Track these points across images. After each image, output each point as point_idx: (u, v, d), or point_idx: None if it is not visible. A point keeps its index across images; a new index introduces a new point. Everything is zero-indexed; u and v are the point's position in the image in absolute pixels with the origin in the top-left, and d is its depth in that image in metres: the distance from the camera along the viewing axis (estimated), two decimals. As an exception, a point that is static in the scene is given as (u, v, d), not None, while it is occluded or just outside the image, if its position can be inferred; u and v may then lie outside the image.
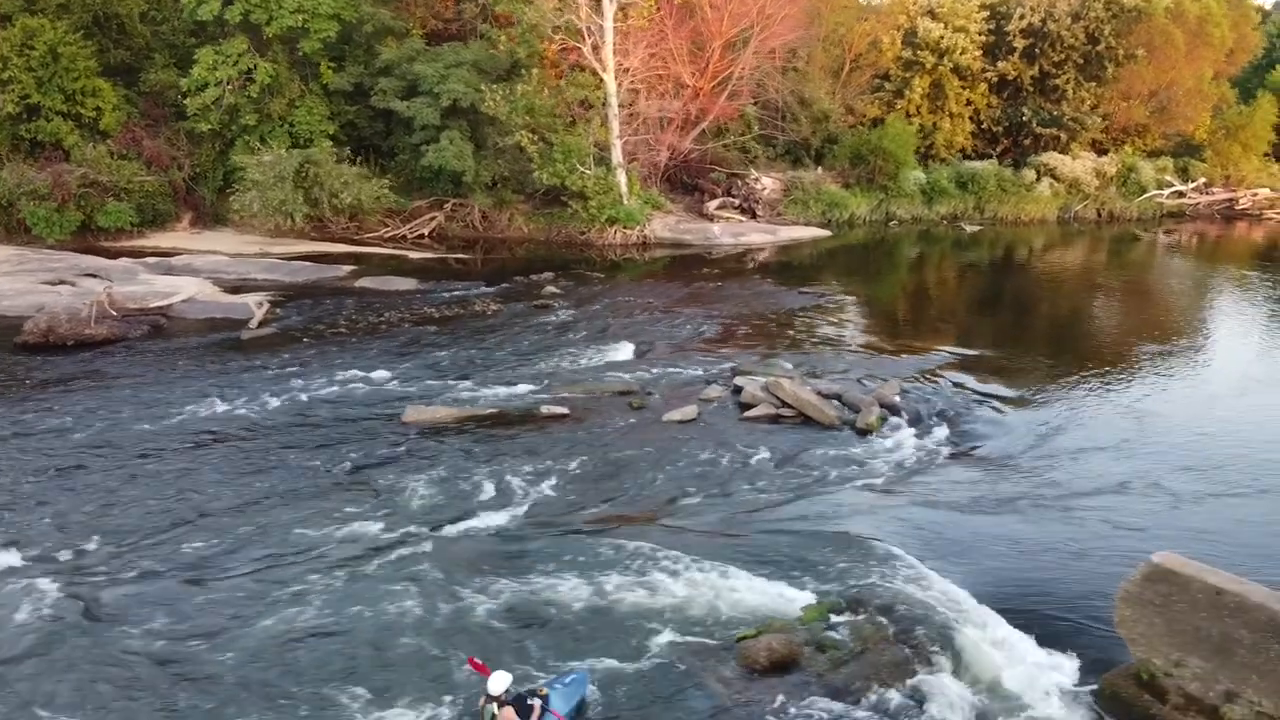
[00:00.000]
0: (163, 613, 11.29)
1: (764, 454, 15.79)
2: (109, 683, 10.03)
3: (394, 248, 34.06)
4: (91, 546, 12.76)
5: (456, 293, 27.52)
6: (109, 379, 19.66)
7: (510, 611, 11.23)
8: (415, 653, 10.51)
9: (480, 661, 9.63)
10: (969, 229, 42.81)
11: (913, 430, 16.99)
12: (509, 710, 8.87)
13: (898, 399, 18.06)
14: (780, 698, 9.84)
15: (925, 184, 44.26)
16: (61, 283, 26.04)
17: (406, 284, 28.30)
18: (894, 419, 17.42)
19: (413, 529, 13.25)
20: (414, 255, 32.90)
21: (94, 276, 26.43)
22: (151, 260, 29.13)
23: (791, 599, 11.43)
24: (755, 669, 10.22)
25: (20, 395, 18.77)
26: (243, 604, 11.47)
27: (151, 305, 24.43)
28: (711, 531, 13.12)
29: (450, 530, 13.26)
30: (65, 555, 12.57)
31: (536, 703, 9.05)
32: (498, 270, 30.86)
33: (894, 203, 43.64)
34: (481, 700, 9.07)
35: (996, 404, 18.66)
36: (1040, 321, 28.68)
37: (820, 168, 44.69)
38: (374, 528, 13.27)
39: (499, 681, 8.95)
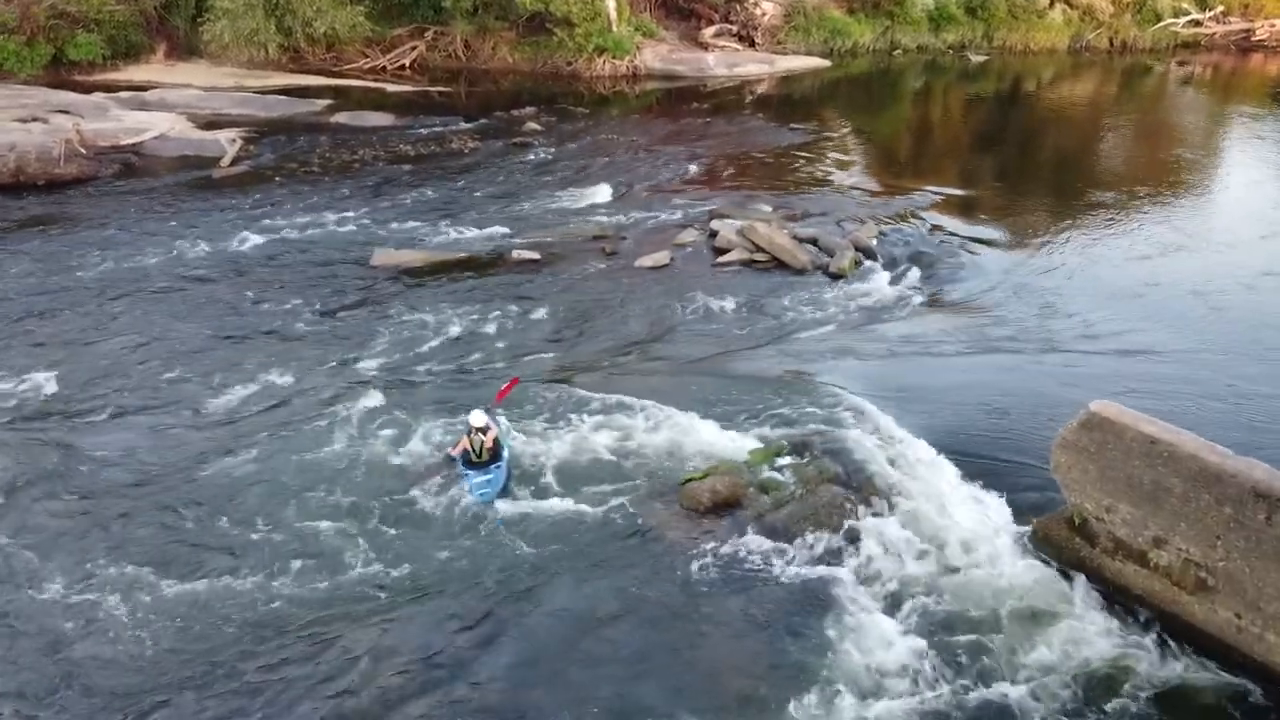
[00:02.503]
0: (133, 449, 11.57)
1: (731, 300, 15.70)
2: (83, 515, 10.34)
3: (373, 80, 32.91)
4: (59, 388, 12.91)
5: (434, 129, 26.78)
6: (79, 220, 19.44)
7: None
8: (374, 488, 10.76)
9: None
10: (975, 59, 41.08)
11: (887, 275, 16.82)
12: (493, 433, 10.90)
13: (874, 242, 17.80)
14: (718, 536, 10.12)
15: (933, 9, 42.13)
16: (34, 120, 25.29)
17: (383, 120, 27.51)
18: (869, 263, 17.22)
19: (376, 372, 13.37)
20: (393, 88, 31.84)
21: (66, 113, 25.69)
22: (124, 95, 28.23)
23: (743, 444, 11.58)
24: (698, 510, 10.47)
25: (-11, 237, 18.66)
26: (211, 442, 11.70)
27: (123, 143, 23.88)
28: (669, 376, 13.19)
29: (412, 373, 13.36)
30: (36, 394, 12.76)
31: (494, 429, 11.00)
32: (480, 105, 29.91)
33: (899, 30, 41.69)
34: (467, 437, 10.86)
35: (978, 248, 18.39)
36: (1041, 160, 27.89)
37: (824, -9, 42.44)
38: (339, 369, 13.40)
39: (479, 417, 10.91)
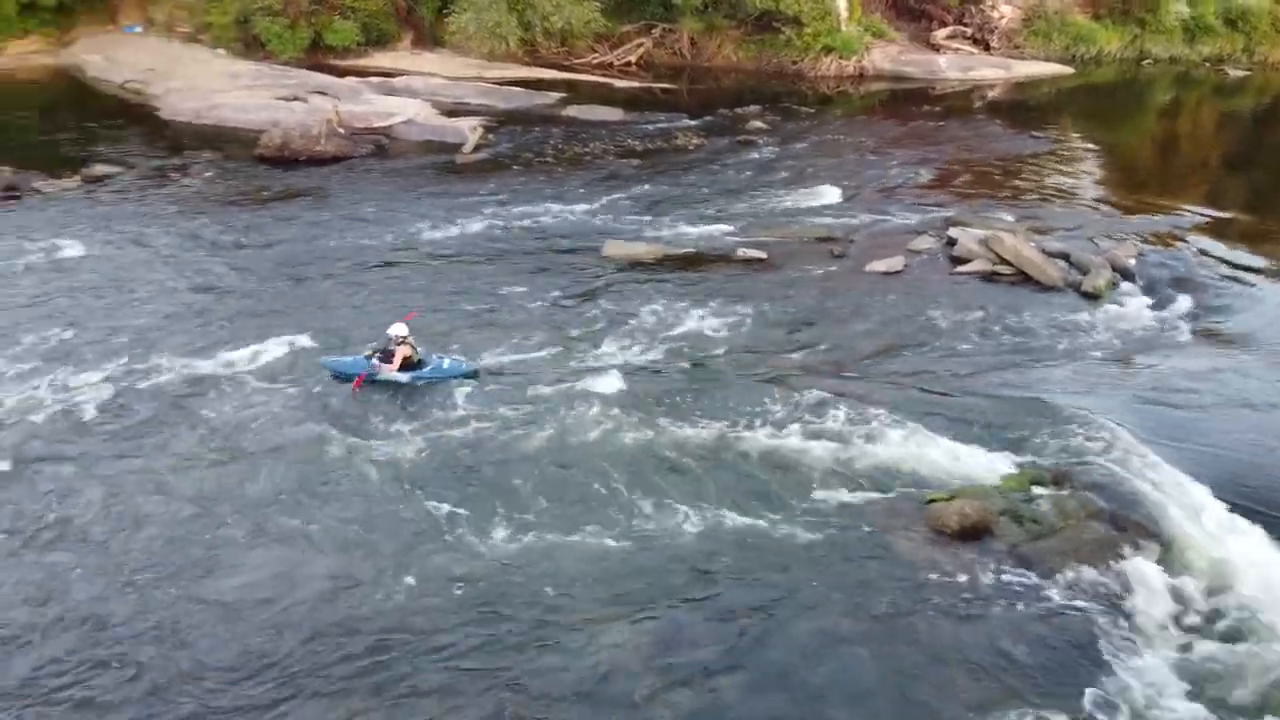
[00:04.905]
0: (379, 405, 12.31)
1: (975, 312, 14.92)
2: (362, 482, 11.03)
3: (601, 75, 33.58)
4: (318, 344, 13.86)
5: (660, 125, 26.98)
6: (335, 195, 20.82)
7: (692, 450, 11.36)
8: (593, 476, 10.90)
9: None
10: (1234, 74, 37.58)
11: (1147, 299, 15.53)
12: (406, 347, 12.64)
13: (1132, 262, 16.48)
14: (967, 564, 9.63)
15: (1188, 19, 38.84)
16: (294, 99, 27.36)
17: (612, 114, 27.99)
18: (1126, 284, 15.97)
19: (605, 359, 13.54)
20: (620, 84, 32.36)
21: (323, 94, 27.63)
22: (375, 80, 30.04)
23: (990, 466, 10.98)
24: (945, 532, 9.99)
25: (256, 205, 20.28)
26: (441, 411, 12.24)
27: (375, 125, 25.40)
28: (909, 389, 12.65)
29: (642, 364, 13.44)
30: (293, 352, 13.72)
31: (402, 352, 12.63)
32: (703, 102, 29.91)
33: (1150, 39, 38.66)
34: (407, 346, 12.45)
35: (1250, 276, 16.67)
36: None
37: (1068, -6, 39.97)
38: (569, 355, 13.64)
39: (400, 328, 12.63)
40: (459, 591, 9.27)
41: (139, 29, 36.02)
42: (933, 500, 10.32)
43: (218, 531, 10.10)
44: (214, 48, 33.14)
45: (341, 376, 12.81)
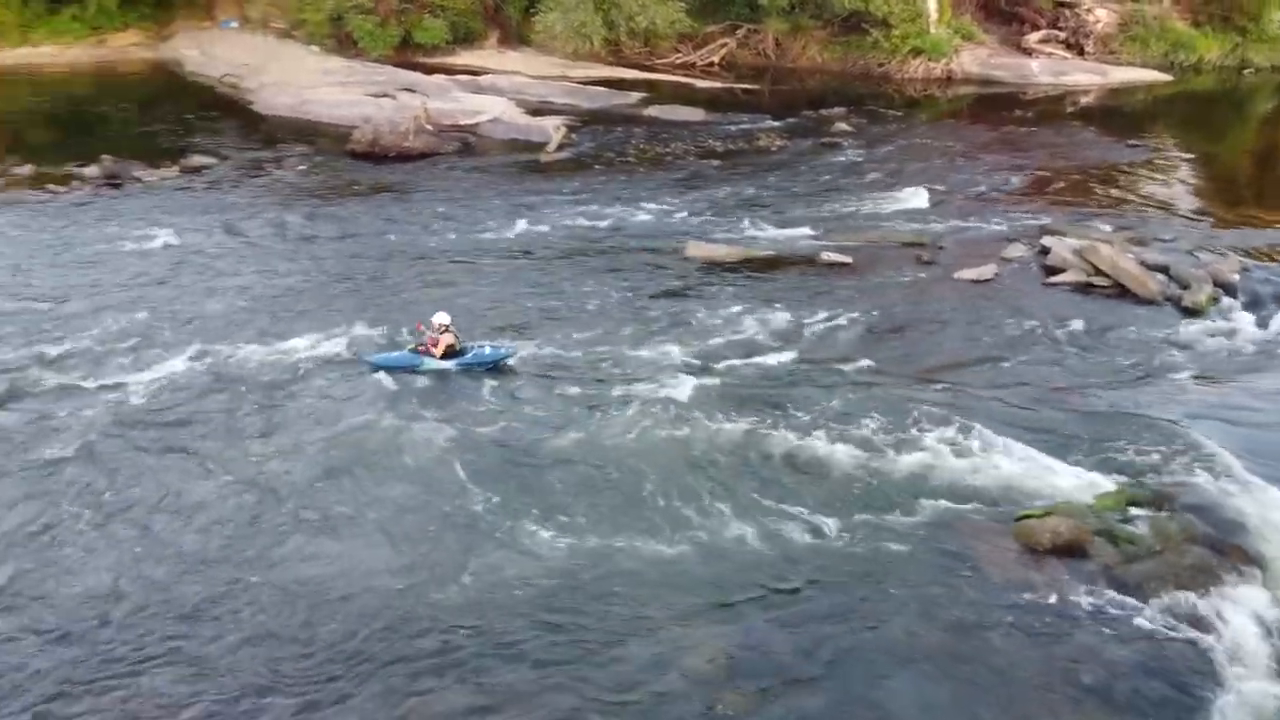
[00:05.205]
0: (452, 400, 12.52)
1: (1070, 325, 14.51)
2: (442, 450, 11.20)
3: (683, 75, 33.52)
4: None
5: (742, 126, 26.82)
6: (421, 191, 21.18)
7: (775, 454, 11.28)
8: (665, 477, 10.85)
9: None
10: (1341, 84, 35.90)
11: (1251, 315, 14.92)
12: (449, 335, 12.94)
13: (1235, 278, 15.84)
14: (1059, 583, 9.36)
15: (1293, 28, 37.15)
16: (384, 95, 27.92)
17: (694, 114, 27.91)
18: (1228, 300, 15.37)
19: (687, 360, 13.50)
20: (702, 84, 32.25)
21: (411, 91, 28.12)
22: (462, 78, 30.49)
23: (1085, 484, 10.66)
24: (1036, 550, 9.73)
25: (345, 199, 20.76)
26: (510, 407, 12.40)
27: (461, 123, 25.78)
28: (1000, 401, 12.36)
29: (723, 366, 13.36)
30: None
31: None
32: (786, 103, 29.64)
33: (1252, 48, 37.03)
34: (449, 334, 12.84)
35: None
36: None
37: (1166, 0, 38.60)
38: (650, 355, 13.62)
39: (443, 317, 12.99)
40: (520, 591, 9.26)
41: (235, 24, 37.14)
42: (1024, 516, 10.05)
43: (284, 515, 10.33)
44: (307, 44, 33.98)
45: (386, 371, 12.96)
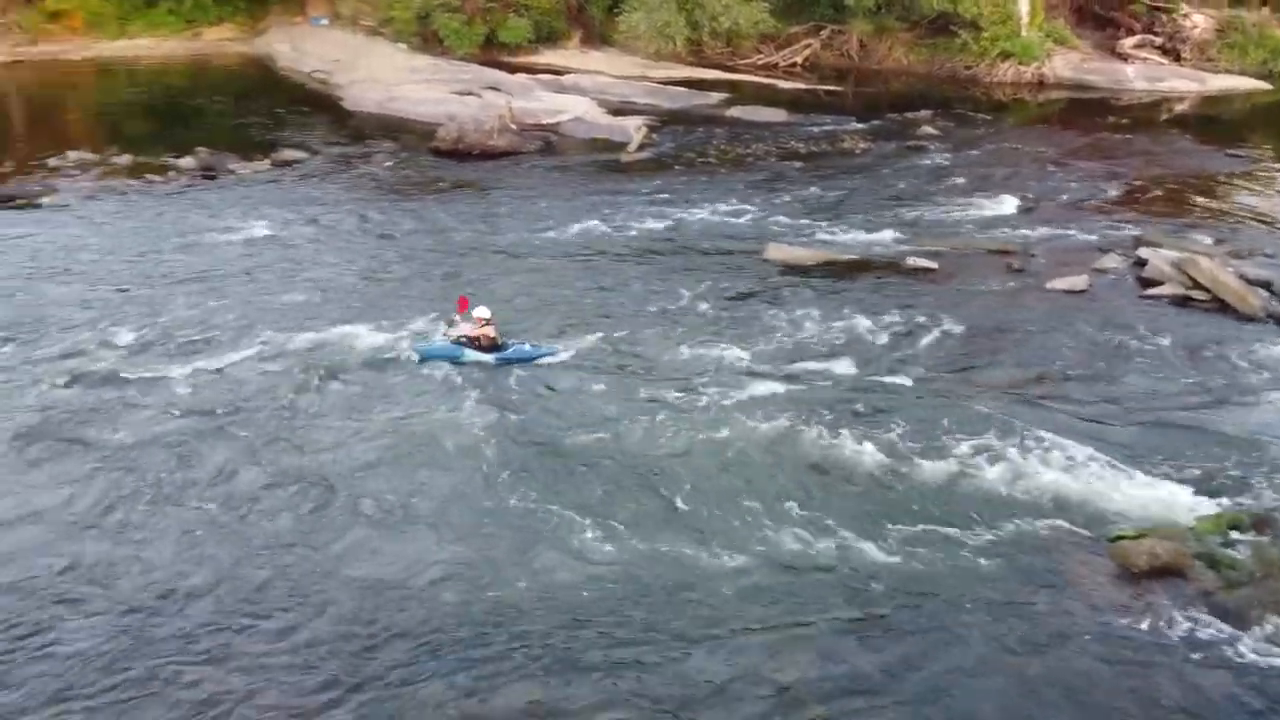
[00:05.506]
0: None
1: (1167, 339, 13.98)
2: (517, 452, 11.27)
3: (765, 76, 33.28)
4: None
5: (825, 127, 26.50)
6: (504, 189, 21.37)
7: (852, 465, 11.05)
8: (740, 483, 10.72)
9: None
10: None
11: (1363, 334, 14.24)
12: (490, 328, 13.22)
13: (1346, 294, 15.14)
14: (1155, 607, 9.02)
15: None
16: (468, 94, 28.27)
17: (775, 115, 27.67)
18: (1337, 317, 14.68)
19: (760, 364, 13.34)
20: (784, 85, 31.97)
21: (495, 90, 28.43)
22: (544, 77, 30.72)
23: (1183, 506, 10.27)
24: (1130, 572, 9.40)
25: (429, 195, 21.05)
26: (582, 405, 12.39)
27: (544, 122, 25.97)
28: (1094, 417, 11.97)
29: (799, 371, 13.18)
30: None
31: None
32: (869, 105, 29.24)
33: (1359, 57, 35.42)
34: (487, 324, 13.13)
35: None
36: None
37: (1267, 6, 37.04)
38: (728, 357, 13.48)
39: (484, 311, 13.24)
40: (584, 594, 9.17)
41: (325, 21, 38.04)
42: (1120, 537, 9.72)
43: (344, 504, 10.44)
44: (395, 41, 34.62)
45: (433, 360, 13.26)
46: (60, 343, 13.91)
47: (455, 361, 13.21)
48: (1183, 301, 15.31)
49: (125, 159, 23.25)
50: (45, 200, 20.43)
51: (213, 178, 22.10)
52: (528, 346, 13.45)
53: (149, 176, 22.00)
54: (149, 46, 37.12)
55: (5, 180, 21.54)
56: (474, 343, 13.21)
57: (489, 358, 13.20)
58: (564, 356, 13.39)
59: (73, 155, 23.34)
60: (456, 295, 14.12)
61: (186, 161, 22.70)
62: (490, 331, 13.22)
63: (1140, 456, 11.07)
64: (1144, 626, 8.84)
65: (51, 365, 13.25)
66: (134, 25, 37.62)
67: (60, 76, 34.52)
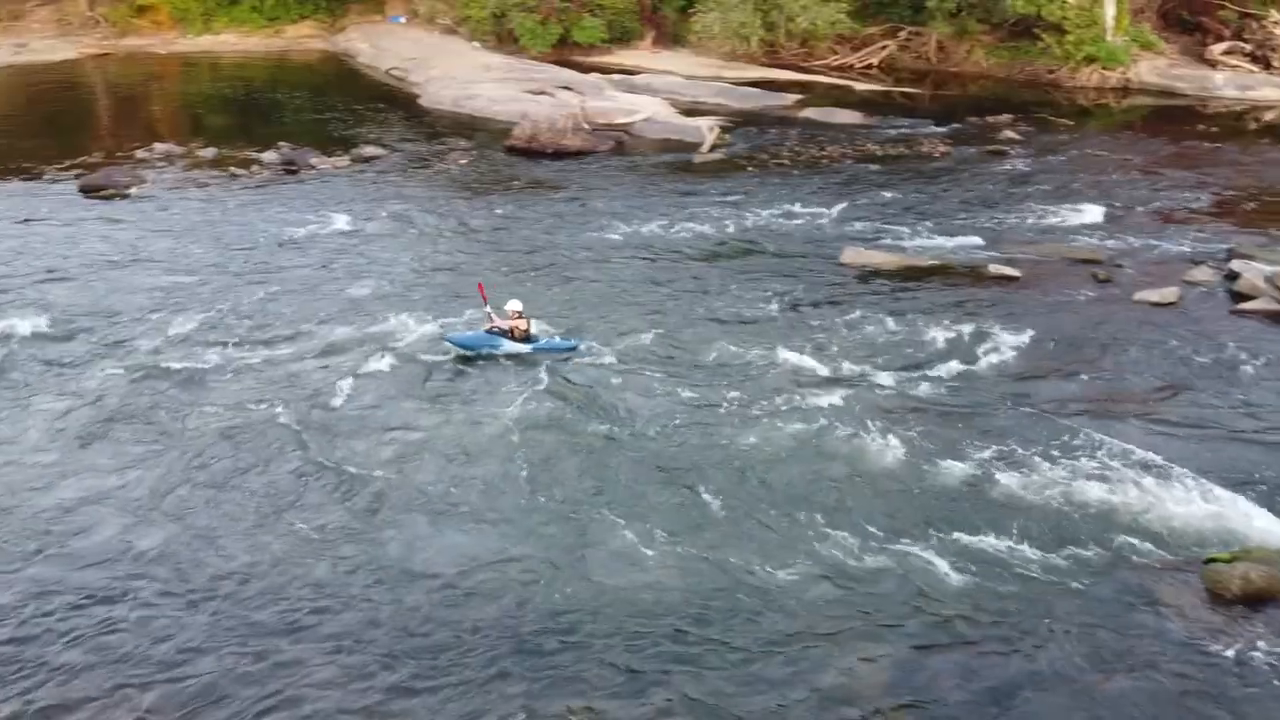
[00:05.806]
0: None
1: (1262, 357, 13.45)
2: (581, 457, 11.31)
3: (840, 77, 32.92)
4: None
5: (902, 130, 26.12)
6: (576, 188, 21.47)
7: (935, 479, 10.83)
8: (816, 492, 10.61)
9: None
10: None
11: None
12: (523, 321, 13.65)
13: None
14: (1247, 634, 8.69)
15: None
16: (542, 93, 28.45)
17: (851, 117, 27.35)
18: None
19: (842, 371, 13.18)
20: (859, 86, 31.59)
21: (568, 89, 28.56)
22: (617, 77, 30.76)
23: (1278, 530, 9.88)
24: (1223, 597, 9.08)
25: (503, 193, 21.26)
26: (658, 405, 12.36)
27: (616, 122, 26.02)
28: (1186, 435, 11.59)
29: (876, 379, 12.99)
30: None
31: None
32: (947, 109, 28.71)
33: None
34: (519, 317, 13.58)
35: None
36: None
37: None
38: (806, 363, 13.35)
39: (516, 304, 13.70)
40: (647, 597, 9.10)
41: (403, 19, 38.68)
42: (1212, 560, 9.39)
43: (401, 497, 10.57)
44: (470, 40, 35.02)
45: (466, 350, 13.64)
46: (135, 330, 14.40)
47: (491, 351, 13.62)
48: (1277, 317, 14.76)
49: (210, 152, 23.90)
50: (133, 191, 21.11)
51: (294, 172, 22.58)
52: (557, 339, 13.97)
53: (233, 170, 22.58)
54: (231, 42, 38.19)
55: (95, 170, 22.26)
56: (509, 334, 13.65)
57: (525, 348, 13.64)
58: (582, 348, 13.74)
59: (159, 147, 24.10)
60: (522, 291, 14.25)
61: (269, 156, 23.24)
62: (524, 324, 13.69)
63: (1234, 477, 10.69)
64: (1232, 654, 8.53)
65: (126, 352, 13.72)
66: (218, 21, 38.73)
67: (146, 70, 35.67)
